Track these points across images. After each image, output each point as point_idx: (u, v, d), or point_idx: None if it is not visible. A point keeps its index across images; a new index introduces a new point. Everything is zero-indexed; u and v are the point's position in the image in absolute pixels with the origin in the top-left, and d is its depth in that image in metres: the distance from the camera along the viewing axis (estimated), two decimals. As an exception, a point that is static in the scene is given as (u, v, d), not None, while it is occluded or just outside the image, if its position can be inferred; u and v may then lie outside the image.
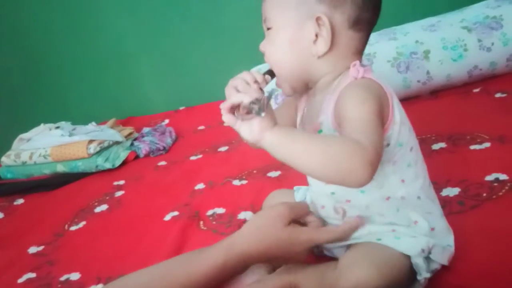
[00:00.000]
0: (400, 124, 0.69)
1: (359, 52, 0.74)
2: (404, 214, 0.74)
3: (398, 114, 0.69)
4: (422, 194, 0.74)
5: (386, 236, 0.73)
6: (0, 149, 1.74)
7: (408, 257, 0.71)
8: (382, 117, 0.67)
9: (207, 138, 1.68)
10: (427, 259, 0.72)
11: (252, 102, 0.63)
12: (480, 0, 1.52)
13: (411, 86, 1.46)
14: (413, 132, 0.74)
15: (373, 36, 1.50)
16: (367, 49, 1.52)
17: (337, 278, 0.67)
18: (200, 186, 1.30)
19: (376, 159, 0.61)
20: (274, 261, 0.78)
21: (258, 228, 0.76)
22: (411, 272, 0.71)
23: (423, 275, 0.71)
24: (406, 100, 1.48)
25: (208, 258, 0.76)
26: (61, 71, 2.12)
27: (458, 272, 0.74)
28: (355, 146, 0.60)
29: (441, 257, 0.73)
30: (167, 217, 1.17)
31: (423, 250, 0.71)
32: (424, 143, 1.17)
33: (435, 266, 0.73)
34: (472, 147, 1.10)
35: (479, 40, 1.40)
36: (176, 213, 1.17)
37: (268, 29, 0.75)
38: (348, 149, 0.60)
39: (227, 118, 0.67)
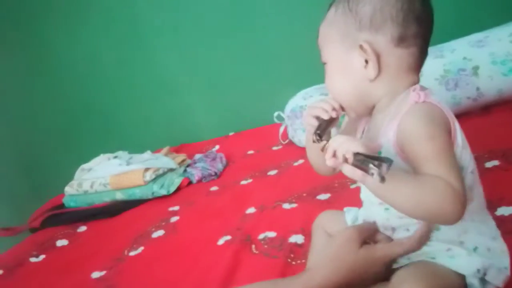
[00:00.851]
0: (462, 147, 0.69)
1: (413, 68, 0.73)
2: (456, 232, 0.73)
3: (460, 138, 0.69)
4: (475, 216, 0.73)
5: (440, 255, 0.73)
6: (64, 180, 1.84)
7: (461, 277, 0.70)
8: (452, 141, 0.67)
9: (256, 162, 1.71)
10: (482, 280, 0.71)
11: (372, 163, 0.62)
12: (528, 13, 1.49)
13: (461, 103, 1.44)
14: (472, 155, 0.73)
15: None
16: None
17: None
18: (251, 210, 1.32)
19: (464, 196, 0.63)
20: (354, 285, 0.77)
21: (333, 258, 0.76)
22: None
23: None
24: (457, 117, 1.45)
25: None
26: (116, 103, 2.23)
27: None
28: (447, 190, 0.62)
29: (497, 279, 0.72)
30: (221, 241, 1.20)
31: (478, 270, 0.70)
32: (477, 161, 1.13)
33: (489, 286, 0.72)
34: (528, 163, 1.07)
35: (530, 53, 1.37)
36: (229, 237, 1.20)
37: (324, 64, 0.78)
38: (440, 195, 0.62)
39: (331, 163, 0.66)
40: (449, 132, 0.68)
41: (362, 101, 0.76)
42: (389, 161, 0.60)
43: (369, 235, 0.78)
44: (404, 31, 0.70)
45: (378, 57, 0.71)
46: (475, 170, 0.74)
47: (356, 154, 0.63)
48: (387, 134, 0.71)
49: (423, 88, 0.71)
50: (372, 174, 0.61)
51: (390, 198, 0.66)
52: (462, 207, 0.62)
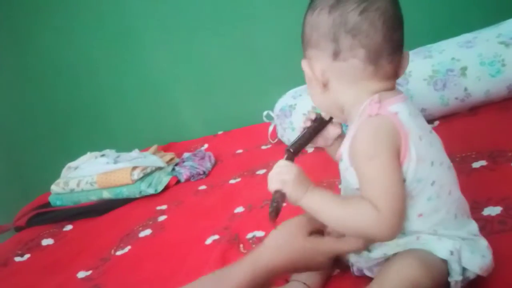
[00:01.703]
0: (417, 161, 0.70)
1: (369, 77, 0.73)
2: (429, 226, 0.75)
3: (414, 152, 0.70)
4: (440, 228, 0.73)
5: (413, 244, 0.74)
6: (51, 178, 1.82)
7: (445, 262, 0.71)
8: (396, 157, 0.69)
9: (245, 161, 1.71)
10: (464, 269, 0.72)
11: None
12: (516, 15, 1.50)
13: (449, 104, 1.45)
14: (438, 165, 0.73)
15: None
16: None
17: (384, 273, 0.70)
18: (239, 209, 1.32)
19: (394, 217, 0.68)
20: (299, 270, 0.83)
21: (281, 241, 0.80)
22: (446, 277, 0.72)
23: (455, 277, 0.71)
24: (444, 118, 1.47)
25: (237, 275, 0.79)
26: (104, 102, 2.21)
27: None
28: (369, 214, 0.68)
29: (473, 264, 0.72)
30: (208, 241, 1.19)
31: (451, 252, 0.71)
32: (464, 162, 1.16)
33: (468, 274, 0.72)
34: (514, 164, 1.08)
35: (517, 55, 1.38)
36: (216, 236, 1.20)
37: None
38: (361, 220, 0.69)
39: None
40: (395, 148, 0.69)
41: (337, 109, 0.79)
42: (274, 210, 0.73)
43: (320, 226, 0.81)
44: (338, 46, 0.72)
45: (323, 71, 0.75)
46: (443, 183, 0.73)
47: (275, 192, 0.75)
48: (345, 145, 0.75)
49: (384, 97, 0.72)
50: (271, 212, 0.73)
51: (320, 218, 0.74)
52: (389, 229, 0.68)
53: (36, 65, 2.21)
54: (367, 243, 0.77)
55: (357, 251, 0.78)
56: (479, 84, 1.41)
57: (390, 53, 0.72)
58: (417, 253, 0.71)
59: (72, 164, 1.84)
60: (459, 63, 1.43)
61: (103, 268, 1.25)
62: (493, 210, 0.92)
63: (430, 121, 1.47)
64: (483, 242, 0.76)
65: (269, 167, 1.54)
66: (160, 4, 2.01)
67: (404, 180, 0.70)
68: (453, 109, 1.46)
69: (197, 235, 1.24)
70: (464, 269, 0.72)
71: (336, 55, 0.73)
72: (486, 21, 1.53)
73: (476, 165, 1.12)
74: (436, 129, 1.41)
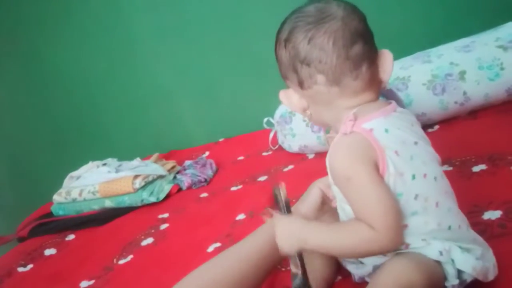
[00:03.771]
0: (395, 174, 0.70)
1: (339, 97, 0.75)
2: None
3: (392, 166, 0.70)
4: (429, 237, 0.72)
5: (403, 251, 0.73)
6: (53, 188, 1.82)
7: (440, 265, 0.71)
8: (375, 170, 0.70)
9: (246, 168, 1.71)
10: (459, 272, 0.72)
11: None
12: (513, 18, 1.51)
13: (449, 108, 1.45)
14: (420, 178, 0.73)
15: (407, 60, 1.54)
16: (402, 73, 1.53)
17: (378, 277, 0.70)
18: (241, 216, 1.32)
19: (391, 231, 0.68)
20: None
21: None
22: (443, 281, 0.71)
23: (451, 281, 0.70)
24: (444, 122, 1.47)
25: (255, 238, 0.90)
26: (105, 110, 2.22)
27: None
28: (364, 234, 0.69)
29: (465, 264, 0.71)
30: (210, 249, 1.19)
31: (441, 252, 0.71)
32: (464, 166, 1.16)
33: (465, 277, 0.72)
34: (514, 167, 1.08)
35: (516, 58, 1.38)
36: (218, 244, 1.20)
37: None
38: (357, 241, 0.70)
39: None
40: (372, 163, 0.70)
41: (326, 125, 0.83)
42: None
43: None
44: (299, 76, 0.75)
45: (300, 98, 0.79)
46: (427, 196, 0.72)
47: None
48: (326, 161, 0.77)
49: (362, 113, 0.74)
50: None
51: (328, 253, 0.80)
52: (389, 242, 0.69)
53: (39, 75, 2.22)
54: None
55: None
56: (478, 88, 1.42)
57: (352, 69, 0.73)
58: (410, 255, 0.71)
59: (74, 173, 1.84)
60: (457, 68, 1.43)
61: (106, 277, 1.25)
62: (493, 214, 0.92)
63: (429, 125, 1.48)
64: (485, 250, 0.75)
65: (270, 174, 1.56)
66: (161, 13, 2.02)
67: None
68: (452, 113, 1.46)
69: (199, 243, 1.24)
70: (460, 272, 0.72)
71: (301, 84, 0.76)
72: (484, 25, 1.54)
73: (476, 169, 1.13)
74: (436, 133, 1.43)
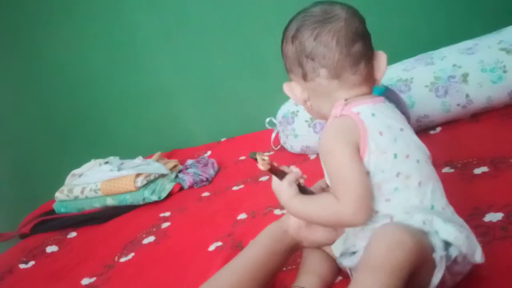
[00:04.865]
0: (377, 152, 0.77)
1: (337, 89, 0.83)
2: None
3: (373, 145, 0.77)
4: (411, 210, 0.76)
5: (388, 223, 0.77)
6: (55, 185, 1.83)
7: (424, 234, 0.74)
8: (355, 150, 0.77)
9: (248, 168, 1.71)
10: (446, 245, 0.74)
11: None
12: (516, 21, 1.51)
13: (451, 110, 1.45)
14: (402, 158, 0.78)
15: (410, 62, 1.54)
16: (404, 75, 1.53)
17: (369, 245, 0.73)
18: (242, 216, 1.32)
19: (354, 203, 0.74)
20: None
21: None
22: (431, 252, 0.73)
23: (439, 252, 0.72)
24: (446, 124, 1.47)
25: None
26: (108, 109, 2.22)
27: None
28: (332, 207, 0.76)
29: (447, 232, 0.74)
30: (211, 248, 1.20)
31: (424, 222, 0.75)
32: (466, 168, 1.16)
33: (452, 252, 0.73)
34: (516, 170, 1.08)
35: (519, 61, 1.38)
36: (219, 243, 1.20)
37: None
38: (327, 212, 0.78)
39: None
40: (353, 143, 0.77)
41: (324, 117, 0.88)
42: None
43: None
44: (303, 70, 0.83)
45: (302, 91, 0.87)
46: (409, 174, 0.77)
47: None
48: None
49: (352, 101, 0.82)
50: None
51: (301, 218, 0.88)
52: (352, 214, 0.74)
53: (41, 73, 2.23)
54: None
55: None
56: (480, 91, 1.41)
57: (351, 65, 0.81)
58: (397, 224, 0.75)
59: (76, 171, 1.85)
60: (460, 70, 1.43)
61: (107, 275, 1.25)
62: (494, 217, 0.92)
63: (432, 127, 1.48)
64: (470, 234, 0.78)
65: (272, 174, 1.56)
66: (163, 12, 2.02)
67: (368, 172, 0.76)
68: (455, 116, 1.46)
69: (200, 242, 1.25)
70: (447, 246, 0.73)
71: (304, 77, 0.84)
72: (487, 28, 1.54)
73: (477, 171, 1.13)
74: (438, 135, 1.43)
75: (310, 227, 0.91)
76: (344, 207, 0.74)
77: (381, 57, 0.84)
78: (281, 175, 0.85)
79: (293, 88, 0.88)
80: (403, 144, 0.79)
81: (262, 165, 0.82)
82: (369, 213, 0.75)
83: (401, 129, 0.81)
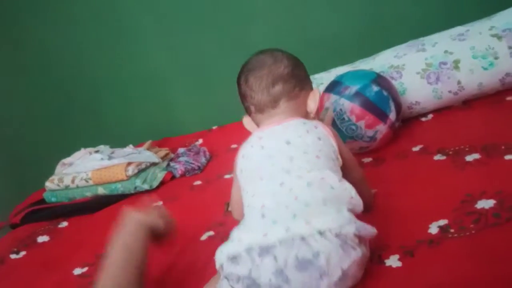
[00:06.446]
0: (239, 171, 1.04)
1: (262, 118, 1.05)
2: None
3: (238, 165, 1.05)
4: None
5: None
6: (45, 174, 1.81)
7: None
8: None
9: (240, 156, 1.70)
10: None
11: None
12: (508, 7, 1.50)
13: (443, 97, 1.45)
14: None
15: (401, 48, 1.53)
16: (396, 62, 1.52)
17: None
18: (234, 204, 1.32)
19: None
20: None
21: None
22: None
23: None
24: (438, 111, 1.47)
25: None
26: (98, 97, 2.20)
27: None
28: None
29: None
30: (203, 237, 1.20)
31: None
32: (457, 155, 1.16)
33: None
34: (507, 157, 1.08)
35: (510, 47, 1.38)
36: (211, 232, 1.20)
37: None
38: None
39: None
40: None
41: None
42: None
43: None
44: (244, 106, 1.08)
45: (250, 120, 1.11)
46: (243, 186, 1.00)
47: None
48: None
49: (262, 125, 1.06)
50: None
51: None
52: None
53: (31, 61, 2.19)
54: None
55: None
56: (472, 77, 1.42)
57: (272, 102, 1.01)
58: None
59: (66, 160, 1.83)
60: (452, 56, 1.43)
61: (99, 265, 1.25)
62: (486, 203, 0.93)
63: (423, 114, 1.48)
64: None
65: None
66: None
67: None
68: (446, 102, 1.46)
69: (192, 231, 1.24)
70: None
71: (246, 110, 1.08)
72: (478, 14, 1.53)
73: (469, 158, 1.13)
74: (429, 122, 1.44)
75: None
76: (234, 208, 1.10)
77: (312, 94, 1.04)
78: None
79: (249, 122, 1.09)
80: (247, 160, 1.04)
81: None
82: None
83: (262, 147, 1.00)
